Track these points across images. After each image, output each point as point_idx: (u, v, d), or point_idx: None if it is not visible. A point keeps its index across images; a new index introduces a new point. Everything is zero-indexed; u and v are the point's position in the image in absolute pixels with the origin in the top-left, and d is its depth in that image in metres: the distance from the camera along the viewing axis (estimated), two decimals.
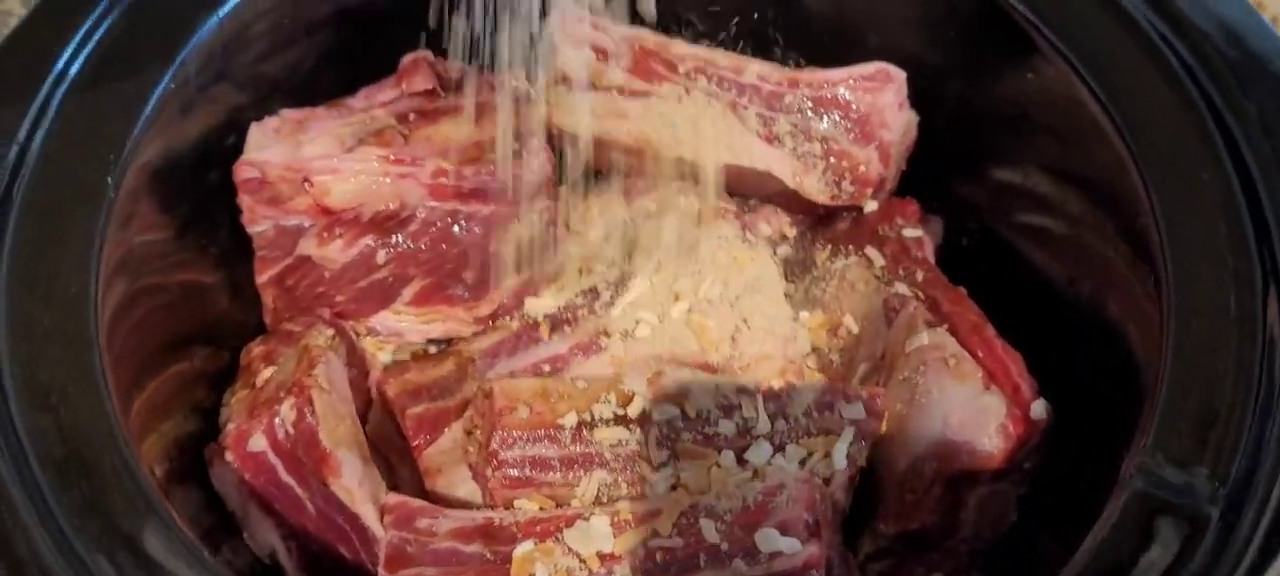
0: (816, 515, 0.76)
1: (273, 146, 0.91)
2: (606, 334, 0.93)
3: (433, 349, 1.00)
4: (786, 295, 0.99)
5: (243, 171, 0.89)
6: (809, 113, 0.97)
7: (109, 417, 0.70)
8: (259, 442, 0.81)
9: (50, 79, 0.81)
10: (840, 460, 0.82)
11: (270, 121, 0.93)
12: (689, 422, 0.83)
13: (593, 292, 0.98)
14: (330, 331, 0.93)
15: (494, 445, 0.82)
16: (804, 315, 0.99)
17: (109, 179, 0.79)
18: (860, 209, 1.02)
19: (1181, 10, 0.86)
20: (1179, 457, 0.70)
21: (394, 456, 0.96)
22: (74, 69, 0.82)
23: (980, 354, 0.87)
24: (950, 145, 1.03)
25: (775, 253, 1.04)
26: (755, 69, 0.99)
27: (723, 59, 1.00)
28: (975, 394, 0.84)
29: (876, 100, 0.96)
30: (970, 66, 0.98)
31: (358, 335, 0.97)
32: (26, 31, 0.83)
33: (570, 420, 0.83)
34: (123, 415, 0.73)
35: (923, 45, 1.01)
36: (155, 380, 0.85)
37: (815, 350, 0.98)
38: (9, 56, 0.82)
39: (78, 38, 0.83)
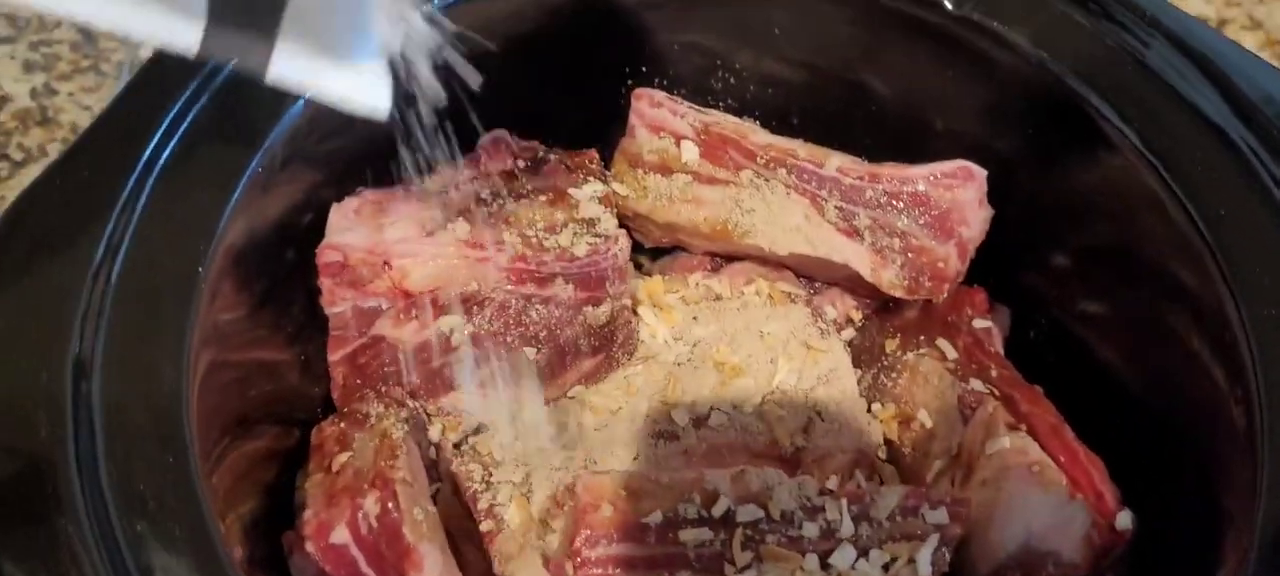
0: None
1: (354, 229, 0.91)
2: (688, 420, 0.93)
3: None
4: (858, 384, 0.99)
5: (326, 255, 0.89)
6: (888, 207, 0.97)
7: (208, 529, 0.69)
8: (342, 535, 0.80)
9: (142, 162, 0.81)
10: (924, 566, 0.82)
11: (350, 202, 0.93)
12: (773, 524, 0.83)
13: (666, 378, 0.97)
14: (405, 412, 0.92)
15: (578, 543, 0.82)
16: (877, 407, 0.99)
17: (201, 267, 0.78)
18: (930, 300, 1.02)
19: (1272, 123, 0.86)
20: None
21: (462, 538, 0.95)
22: (166, 153, 0.81)
23: (1062, 459, 0.87)
24: (1020, 235, 1.03)
25: (841, 333, 1.04)
26: (836, 162, 0.99)
27: (802, 150, 1.00)
28: (1060, 502, 0.84)
29: (957, 197, 0.96)
30: (1044, 159, 0.98)
31: (428, 415, 0.97)
32: (120, 110, 0.83)
33: (655, 519, 0.82)
34: (212, 498, 0.72)
35: (996, 135, 1.01)
36: (230, 460, 0.84)
37: (887, 443, 0.98)
38: (102, 136, 0.82)
39: (169, 119, 0.83)
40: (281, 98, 0.87)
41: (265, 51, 0.50)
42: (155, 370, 0.74)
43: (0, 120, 1.38)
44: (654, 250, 1.13)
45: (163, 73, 0.85)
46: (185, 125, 0.83)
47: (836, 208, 0.97)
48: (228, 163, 0.83)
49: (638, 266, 1.13)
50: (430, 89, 0.71)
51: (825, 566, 0.82)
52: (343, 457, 0.88)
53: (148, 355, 0.74)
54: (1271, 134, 0.85)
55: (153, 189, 0.80)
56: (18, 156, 1.35)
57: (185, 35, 0.50)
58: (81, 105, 1.40)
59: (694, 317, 1.03)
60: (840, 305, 1.08)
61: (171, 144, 0.82)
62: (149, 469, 0.70)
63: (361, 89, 0.52)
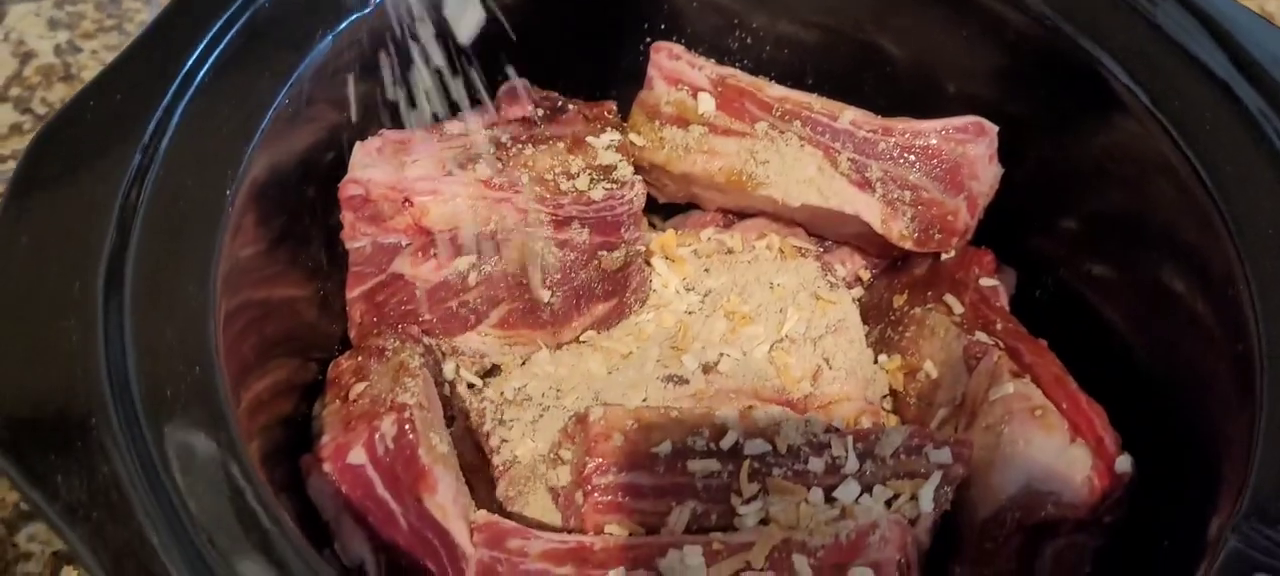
0: (908, 557, 0.78)
1: (377, 166, 0.93)
2: (698, 366, 0.95)
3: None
4: (866, 335, 1.01)
5: (348, 188, 0.91)
6: (901, 160, 0.99)
7: (232, 436, 0.71)
8: (359, 455, 0.82)
9: (174, 86, 0.83)
10: (927, 503, 0.83)
11: (373, 141, 0.95)
12: (779, 458, 0.85)
13: (679, 325, 0.99)
14: (421, 347, 0.95)
15: (589, 470, 0.84)
16: (882, 358, 1.00)
17: (228, 192, 0.80)
18: (938, 256, 1.04)
19: (1274, 82, 0.88)
20: (1277, 520, 0.71)
21: (473, 474, 0.97)
22: (198, 78, 0.83)
23: (1064, 405, 0.88)
24: (1028, 197, 1.05)
25: (853, 295, 1.06)
26: (850, 115, 1.00)
27: (817, 104, 1.02)
28: (1062, 445, 0.85)
29: (968, 152, 0.98)
30: (1055, 120, 1.00)
31: (443, 354, 0.99)
32: (154, 37, 0.85)
33: (664, 449, 0.84)
34: (238, 419, 0.74)
35: (1007, 97, 1.02)
36: (252, 391, 0.86)
37: (893, 393, 0.99)
38: (135, 61, 0.84)
39: (202, 46, 0.85)
40: (309, 32, 0.90)
41: None
42: (181, 289, 0.76)
43: (25, 75, 1.41)
44: (667, 209, 1.16)
45: (194, 4, 0.87)
46: (215, 55, 0.85)
47: (849, 160, 0.99)
48: (255, 95, 0.85)
49: (651, 225, 1.15)
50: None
51: (830, 500, 0.84)
52: (359, 387, 0.90)
53: (175, 274, 0.76)
54: (1275, 93, 0.87)
55: (182, 115, 0.82)
56: (41, 110, 1.37)
57: None
58: (104, 62, 1.43)
59: (705, 269, 1.04)
60: (850, 264, 1.10)
61: (201, 73, 0.84)
62: (175, 378, 0.72)
63: None
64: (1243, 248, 0.82)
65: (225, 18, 0.86)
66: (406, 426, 0.83)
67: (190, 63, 0.84)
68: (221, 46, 0.85)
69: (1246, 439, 0.76)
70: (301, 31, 0.89)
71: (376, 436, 0.83)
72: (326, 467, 0.83)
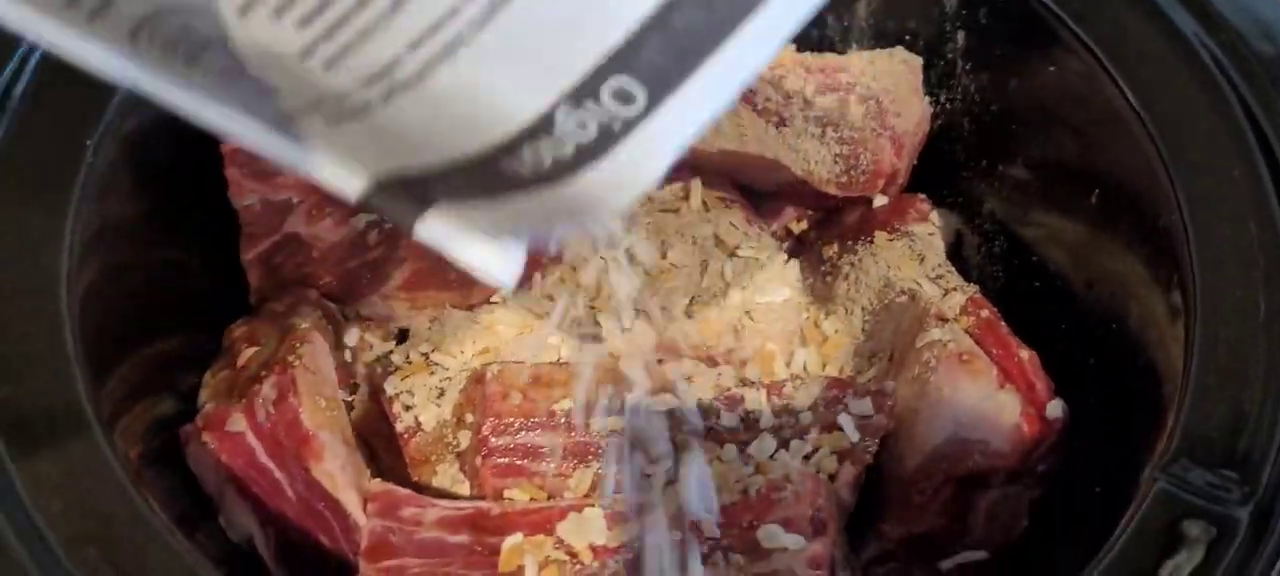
0: (822, 512, 0.73)
1: None
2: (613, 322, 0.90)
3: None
4: (791, 287, 0.96)
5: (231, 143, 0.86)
6: (820, 99, 0.94)
7: (78, 392, 0.66)
8: (238, 423, 0.77)
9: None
10: (847, 457, 0.79)
11: None
12: (690, 414, 0.80)
13: (593, 280, 0.94)
14: (317, 312, 0.90)
15: (485, 431, 0.79)
16: (810, 310, 0.95)
17: (89, 142, 0.75)
18: (869, 202, 0.99)
19: (1212, 4, 0.83)
20: (1206, 460, 0.66)
21: (379, 444, 0.92)
22: None
23: (994, 351, 0.83)
24: (963, 139, 1.00)
25: (782, 245, 1.01)
26: None
27: None
28: (989, 392, 0.80)
29: (891, 87, 0.93)
30: (987, 56, 0.95)
31: (346, 318, 0.94)
32: None
33: (565, 407, 0.79)
34: (95, 393, 0.70)
35: (937, 32, 0.98)
36: (133, 358, 0.81)
37: (821, 345, 0.94)
38: None
39: None
40: None
41: (415, 215, 0.49)
42: (32, 241, 0.71)
43: None
44: None
45: None
46: None
47: (766, 100, 0.94)
48: None
49: None
50: None
51: (743, 456, 0.79)
52: (248, 352, 0.85)
53: (24, 226, 0.71)
54: (1235, 43, 0.82)
55: (40, 61, 0.77)
56: None
57: (348, 184, 0.49)
58: None
59: (625, 222, 0.99)
60: (781, 216, 1.04)
61: None
62: (23, 352, 0.67)
63: (496, 263, 0.51)
64: (1175, 174, 0.78)
65: None
66: (289, 390, 0.78)
67: None
68: None
69: (1178, 377, 0.72)
70: None
71: (257, 402, 0.78)
72: (205, 437, 0.78)
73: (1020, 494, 0.82)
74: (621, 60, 0.40)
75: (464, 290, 0.94)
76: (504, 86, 0.41)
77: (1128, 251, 0.83)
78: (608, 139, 0.42)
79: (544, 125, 0.42)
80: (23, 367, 0.66)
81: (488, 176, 0.44)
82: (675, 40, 0.40)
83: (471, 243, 0.50)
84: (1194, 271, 0.74)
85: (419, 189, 0.48)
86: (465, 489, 0.86)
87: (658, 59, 0.40)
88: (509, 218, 0.47)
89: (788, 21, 0.41)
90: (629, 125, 0.41)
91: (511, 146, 0.43)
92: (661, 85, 0.41)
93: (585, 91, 0.41)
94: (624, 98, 0.41)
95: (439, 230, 0.49)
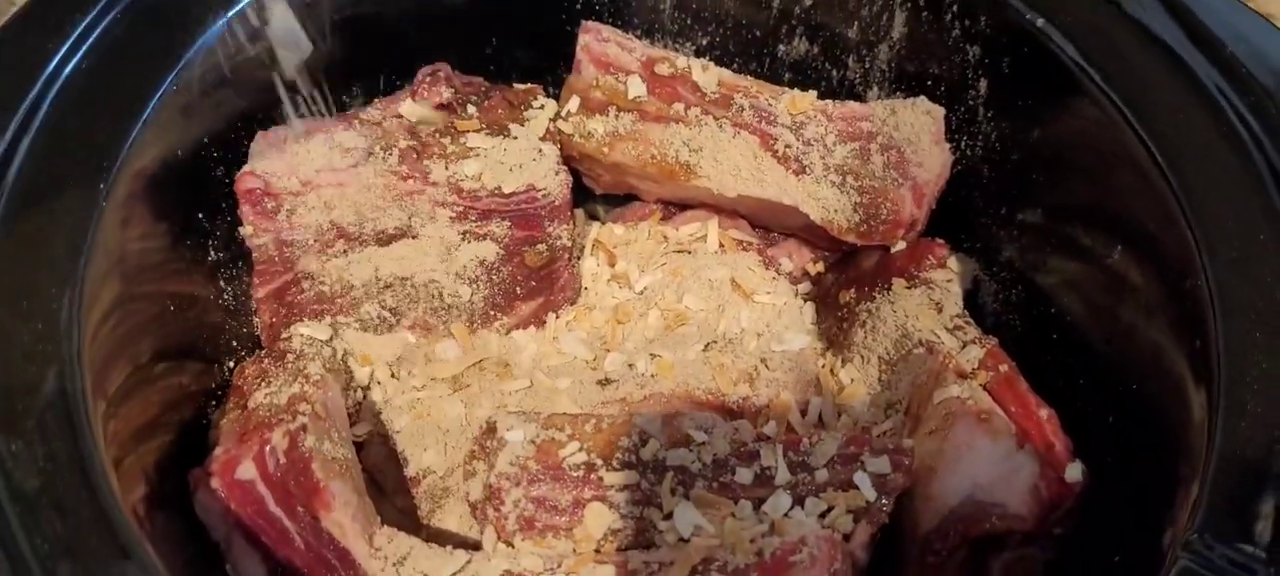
0: (839, 574, 0.72)
1: (277, 156, 0.87)
2: (628, 366, 0.89)
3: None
4: (808, 334, 0.94)
5: (245, 181, 0.85)
6: (842, 147, 0.93)
7: (86, 451, 0.65)
8: (248, 470, 0.76)
9: (41, 79, 0.77)
10: (863, 517, 0.77)
11: (277, 130, 0.89)
12: (705, 469, 0.79)
13: (610, 323, 0.93)
14: (329, 352, 0.89)
15: (494, 482, 0.78)
16: (826, 357, 0.94)
17: (101, 185, 0.74)
18: (888, 248, 0.98)
19: (1239, 61, 0.82)
20: (1230, 536, 0.65)
21: (389, 484, 0.91)
22: (68, 69, 0.77)
23: (1013, 409, 0.82)
24: (983, 186, 0.99)
25: (797, 291, 1.00)
26: (788, 99, 0.94)
27: (753, 87, 0.95)
28: (1007, 452, 0.79)
29: (913, 136, 0.92)
30: (1009, 104, 0.94)
31: (356, 357, 0.93)
32: (19, 27, 0.79)
33: (578, 459, 0.78)
34: (103, 433, 0.69)
35: (959, 79, 0.96)
36: (141, 395, 0.80)
37: (838, 394, 0.93)
38: (4, 48, 0.78)
39: (74, 36, 0.79)
40: (201, 14, 0.84)
41: None
42: (42, 290, 0.70)
43: None
44: (610, 199, 1.09)
45: None
46: (94, 37, 0.79)
47: (787, 147, 0.93)
48: (138, 80, 0.79)
49: (593, 217, 1.09)
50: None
51: (758, 513, 0.78)
52: (260, 394, 0.84)
53: (34, 275, 0.70)
54: (1262, 101, 0.80)
55: (53, 104, 0.76)
56: None
57: None
58: None
59: (641, 265, 0.98)
60: (796, 257, 1.03)
61: (77, 57, 0.78)
62: (27, 385, 0.66)
63: None
64: (1201, 237, 0.76)
65: (99, 6, 0.79)
66: (300, 438, 0.77)
67: (65, 48, 0.78)
68: (100, 30, 0.79)
69: (1202, 444, 0.70)
70: (192, 12, 0.83)
71: (267, 450, 0.77)
72: (215, 483, 0.77)
73: (1036, 556, 0.81)
74: None
75: (476, 330, 0.93)
76: None
77: (1150, 310, 0.81)
78: None
79: None
80: (35, 425, 0.65)
81: None
82: None
83: None
84: (1219, 337, 0.73)
85: None
86: (475, 532, 0.85)
87: None
88: None
89: None
90: None
91: None
92: None
93: None
94: None
95: None
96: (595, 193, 1.06)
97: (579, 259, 0.98)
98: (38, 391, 0.66)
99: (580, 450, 0.79)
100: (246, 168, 0.86)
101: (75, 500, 0.63)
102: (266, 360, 0.89)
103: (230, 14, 0.84)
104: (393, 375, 0.93)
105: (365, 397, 0.92)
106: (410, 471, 0.87)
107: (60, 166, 0.74)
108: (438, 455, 0.87)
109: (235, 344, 0.93)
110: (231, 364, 0.92)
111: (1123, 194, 0.84)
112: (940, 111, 0.93)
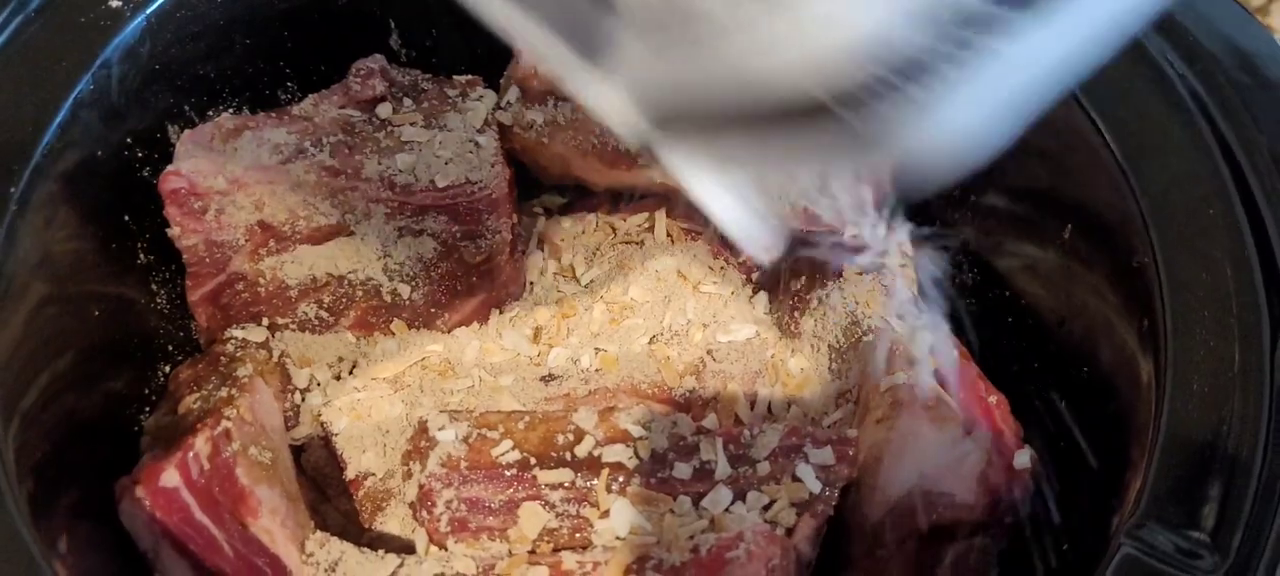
0: (775, 572, 0.70)
1: (204, 154, 0.85)
2: (572, 361, 0.87)
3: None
4: (757, 324, 0.92)
5: (169, 182, 0.83)
6: None
7: None
8: (172, 478, 0.74)
9: None
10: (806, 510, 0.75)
11: (204, 128, 0.87)
12: (641, 465, 0.77)
13: (555, 319, 0.91)
14: (264, 354, 0.87)
15: (425, 483, 0.76)
16: (776, 347, 0.92)
17: (11, 189, 0.72)
18: (839, 234, 0.95)
19: (1190, 34, 0.80)
20: (1175, 522, 0.63)
21: (331, 488, 0.89)
22: None
23: (961, 395, 0.80)
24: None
25: (750, 276, 0.98)
26: None
27: None
28: (954, 439, 0.77)
29: None
30: None
31: (293, 360, 0.91)
32: None
33: (511, 458, 0.76)
34: (13, 444, 0.67)
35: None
36: (67, 401, 0.78)
37: (784, 384, 0.91)
38: None
39: None
40: (118, 14, 0.81)
41: (692, 163, 0.51)
42: None
43: None
44: (559, 191, 1.07)
45: None
46: (4, 37, 0.77)
47: None
48: (51, 82, 0.77)
49: (543, 210, 1.07)
50: None
51: (698, 509, 0.76)
52: (191, 398, 0.82)
53: None
54: (1213, 74, 0.78)
55: None
56: None
57: (628, 119, 0.50)
58: None
59: (588, 257, 0.96)
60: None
61: None
62: None
63: (757, 233, 0.51)
64: (1148, 213, 0.74)
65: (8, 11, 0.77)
66: (222, 444, 0.75)
67: None
68: (11, 29, 0.77)
69: (1148, 433, 0.68)
70: (105, 13, 0.81)
71: (190, 456, 0.75)
72: (139, 492, 0.75)
73: (988, 547, 0.79)
74: None
75: (417, 328, 0.91)
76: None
77: (1101, 290, 0.80)
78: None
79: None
80: None
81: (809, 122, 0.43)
82: None
83: (736, 208, 0.52)
84: (1166, 318, 0.71)
85: (706, 134, 0.47)
86: (416, 536, 0.83)
87: None
88: (788, 165, 0.49)
89: None
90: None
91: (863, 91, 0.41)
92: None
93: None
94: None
95: (711, 189, 0.50)
96: (544, 183, 1.03)
97: (525, 253, 0.96)
98: None
99: (514, 448, 0.77)
100: (170, 167, 0.84)
101: None
102: (201, 364, 0.87)
103: (148, 10, 0.81)
104: (334, 376, 0.91)
105: (304, 400, 0.90)
106: (350, 474, 0.85)
107: None
108: (377, 457, 0.85)
109: (171, 348, 0.91)
110: (168, 368, 0.90)
111: (1073, 171, 0.82)
112: None
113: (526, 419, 0.79)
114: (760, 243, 0.54)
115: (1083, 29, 0.43)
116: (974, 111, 0.43)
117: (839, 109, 0.43)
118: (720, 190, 0.52)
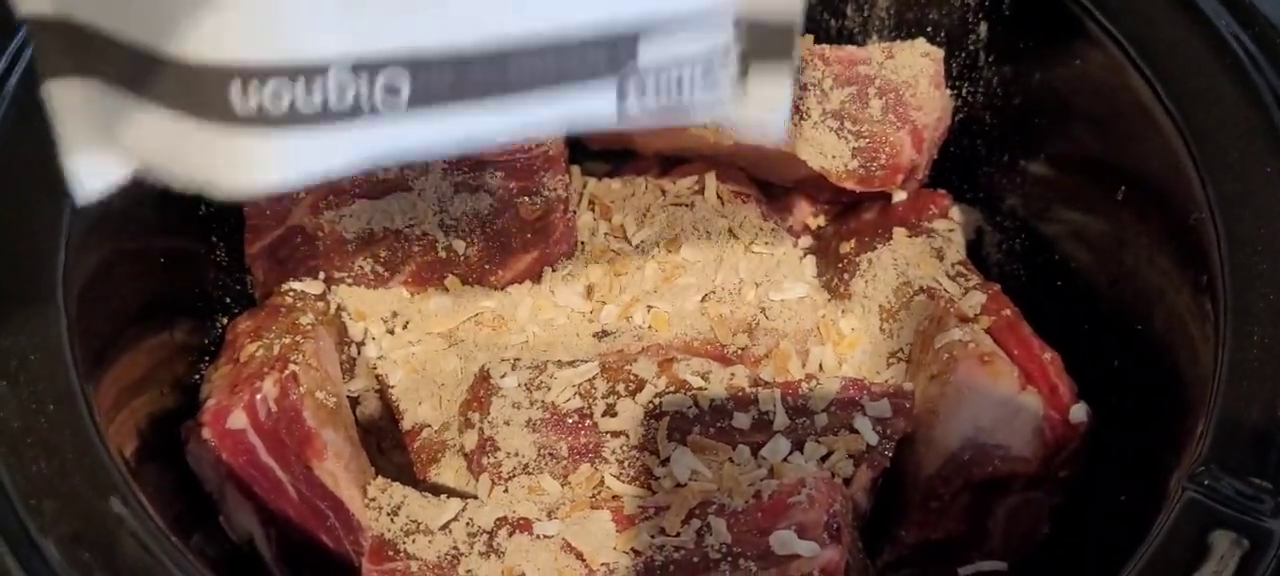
0: (837, 518, 0.70)
1: None
2: (625, 318, 0.88)
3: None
4: (808, 285, 0.93)
5: None
6: (839, 91, 0.91)
7: (74, 389, 0.64)
8: (239, 420, 0.75)
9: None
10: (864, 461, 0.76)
11: None
12: (701, 414, 0.78)
13: (607, 276, 0.92)
14: (323, 306, 0.88)
15: (488, 430, 0.77)
16: (827, 308, 0.93)
17: None
18: (888, 198, 0.96)
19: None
20: (1238, 468, 0.64)
21: (385, 440, 0.90)
22: None
23: (1016, 351, 0.81)
24: (987, 133, 0.97)
25: (798, 242, 0.99)
26: None
27: None
28: (1010, 394, 0.78)
29: (910, 79, 0.91)
30: (1011, 48, 0.93)
31: (350, 312, 0.92)
32: None
33: (573, 405, 0.77)
34: (92, 387, 0.68)
35: (959, 23, 0.95)
36: (132, 352, 0.80)
37: (838, 343, 0.92)
38: None
39: None
40: None
41: (54, 71, 0.48)
42: (26, 236, 0.69)
43: None
44: (606, 155, 1.08)
45: None
46: None
47: None
48: None
49: (590, 173, 1.08)
50: None
51: (757, 458, 0.76)
52: (252, 348, 0.83)
53: (19, 220, 0.70)
54: (1270, 36, 0.79)
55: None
56: None
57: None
58: None
59: (639, 218, 0.97)
60: (798, 210, 1.02)
61: None
62: (14, 329, 0.66)
63: (85, 169, 0.50)
64: (1205, 171, 0.75)
65: None
66: (290, 387, 0.76)
67: None
68: None
69: (1208, 381, 0.69)
70: None
71: (258, 398, 0.76)
72: (206, 434, 0.76)
73: (1041, 500, 0.80)
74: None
75: (472, 284, 0.92)
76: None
77: (1154, 250, 0.80)
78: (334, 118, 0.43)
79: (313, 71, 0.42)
80: (18, 365, 0.65)
81: (196, 88, 0.44)
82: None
83: (80, 134, 0.49)
84: (1225, 272, 0.71)
85: (86, 50, 0.46)
86: (472, 487, 0.84)
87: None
88: (145, 134, 0.47)
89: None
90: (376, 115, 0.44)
91: (257, 73, 0.42)
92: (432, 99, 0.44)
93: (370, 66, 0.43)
94: (392, 91, 0.44)
95: (65, 99, 0.48)
96: (591, 148, 1.04)
97: (575, 213, 0.97)
98: (22, 333, 0.66)
99: (575, 396, 0.78)
100: None
101: (60, 440, 0.63)
102: (260, 314, 0.88)
103: None
104: (388, 330, 0.92)
105: (360, 353, 0.91)
106: (406, 425, 0.86)
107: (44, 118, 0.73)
108: (433, 409, 0.86)
109: (229, 300, 0.92)
110: (225, 320, 0.91)
111: (1126, 134, 0.83)
112: (939, 54, 0.92)
113: (587, 367, 0.80)
114: (84, 178, 0.50)
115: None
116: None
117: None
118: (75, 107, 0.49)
